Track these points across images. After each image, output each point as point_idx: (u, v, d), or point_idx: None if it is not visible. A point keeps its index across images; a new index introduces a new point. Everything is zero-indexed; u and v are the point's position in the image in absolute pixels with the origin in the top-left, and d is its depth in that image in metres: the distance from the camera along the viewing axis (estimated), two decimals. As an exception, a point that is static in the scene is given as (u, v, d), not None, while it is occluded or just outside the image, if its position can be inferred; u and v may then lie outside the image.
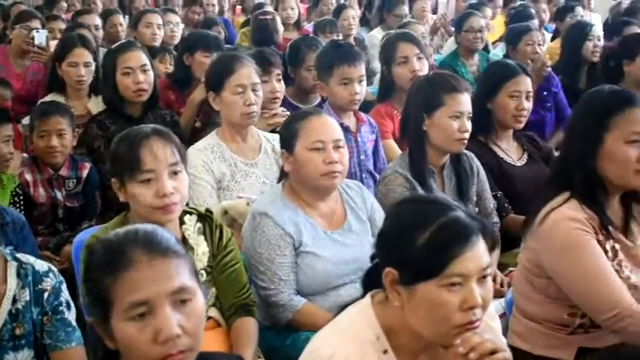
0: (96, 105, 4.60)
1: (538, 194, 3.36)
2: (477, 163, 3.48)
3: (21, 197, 3.81)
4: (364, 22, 8.50)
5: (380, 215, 3.04)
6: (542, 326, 2.63)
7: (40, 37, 5.56)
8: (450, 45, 6.85)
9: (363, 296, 1.98)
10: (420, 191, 3.23)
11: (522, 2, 7.96)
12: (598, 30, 5.48)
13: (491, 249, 1.83)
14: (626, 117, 2.49)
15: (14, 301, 2.38)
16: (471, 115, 3.29)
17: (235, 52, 3.99)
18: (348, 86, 3.93)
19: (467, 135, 3.28)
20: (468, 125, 3.26)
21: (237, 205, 3.33)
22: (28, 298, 2.40)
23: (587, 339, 2.58)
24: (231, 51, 4.56)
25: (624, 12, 7.00)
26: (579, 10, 6.73)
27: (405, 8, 7.58)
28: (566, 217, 2.49)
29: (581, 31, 5.50)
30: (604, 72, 4.82)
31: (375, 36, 7.19)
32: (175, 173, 2.56)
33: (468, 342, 1.76)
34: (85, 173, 3.97)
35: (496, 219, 3.51)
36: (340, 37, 6.30)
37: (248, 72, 3.58)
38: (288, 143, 2.92)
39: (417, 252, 1.78)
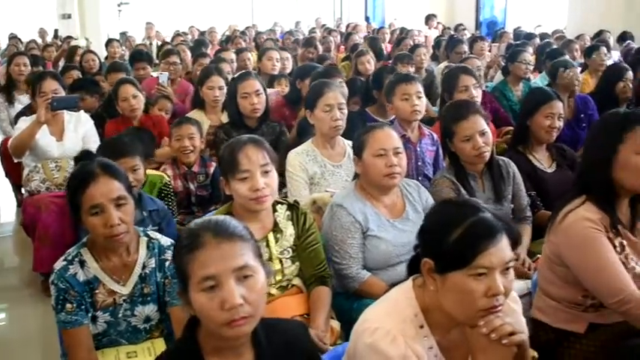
0: (227, 118, 4.50)
1: (564, 195, 3.12)
2: (513, 168, 3.19)
3: (170, 190, 3.69)
4: (434, 57, 8.27)
5: (433, 208, 2.84)
6: (560, 304, 2.39)
7: (162, 77, 5.52)
8: (499, 75, 6.50)
9: (407, 279, 1.79)
10: (463, 192, 3.00)
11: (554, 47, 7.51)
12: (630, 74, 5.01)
13: (513, 246, 1.61)
14: (638, 133, 2.23)
15: (143, 267, 2.32)
16: (484, 131, 2.98)
17: (326, 80, 3.82)
18: (409, 100, 3.72)
19: (484, 150, 2.97)
20: (482, 141, 2.96)
21: (323, 197, 3.21)
22: (154, 265, 2.33)
23: (597, 316, 2.34)
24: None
25: (635, 52, 6.53)
26: (603, 49, 6.28)
27: (465, 47, 7.24)
28: (582, 217, 2.24)
29: (618, 73, 5.04)
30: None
31: (441, 68, 6.92)
32: (266, 172, 2.42)
33: (490, 324, 1.56)
34: (211, 170, 3.91)
35: (529, 213, 3.22)
36: (414, 69, 6.07)
37: (334, 94, 3.42)
38: (358, 151, 2.75)
39: (450, 246, 1.59)
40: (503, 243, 1.58)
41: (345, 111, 3.47)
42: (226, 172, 2.45)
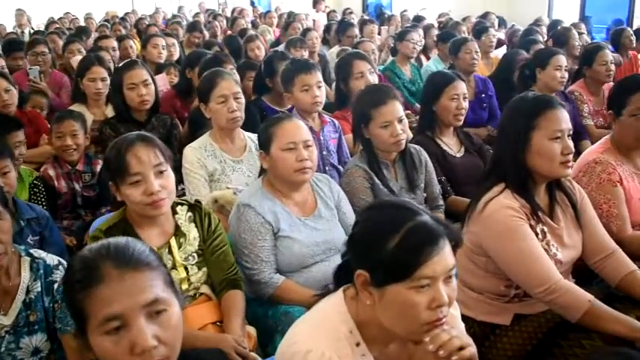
0: (112, 112, 4.14)
1: (473, 180, 3.06)
2: (424, 156, 3.10)
3: (41, 188, 3.34)
4: (325, 41, 8.12)
5: (345, 202, 2.69)
6: (483, 296, 2.31)
7: (33, 72, 5.09)
8: (390, 58, 6.47)
9: (335, 289, 1.60)
10: (377, 181, 2.87)
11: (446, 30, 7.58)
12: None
13: (454, 249, 1.46)
14: (548, 118, 2.18)
15: (27, 291, 2.04)
16: (402, 117, 2.89)
17: (217, 69, 3.55)
18: (309, 91, 3.51)
19: (402, 137, 2.88)
20: (400, 127, 2.86)
21: (225, 195, 2.98)
22: (39, 288, 2.05)
23: (522, 306, 2.28)
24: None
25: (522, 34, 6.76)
26: (492, 30, 6.41)
27: (356, 30, 7.17)
28: (502, 206, 2.17)
29: (516, 57, 5.12)
30: (520, 79, 4.43)
31: (334, 52, 6.80)
32: (161, 172, 2.15)
33: (437, 340, 1.40)
34: (98, 168, 3.55)
35: (441, 202, 3.13)
36: (307, 53, 5.89)
37: (228, 84, 3.17)
38: (265, 145, 2.53)
39: (387, 256, 1.41)
40: (446, 249, 1.42)
41: (242, 100, 3.24)
42: (115, 176, 2.16)
